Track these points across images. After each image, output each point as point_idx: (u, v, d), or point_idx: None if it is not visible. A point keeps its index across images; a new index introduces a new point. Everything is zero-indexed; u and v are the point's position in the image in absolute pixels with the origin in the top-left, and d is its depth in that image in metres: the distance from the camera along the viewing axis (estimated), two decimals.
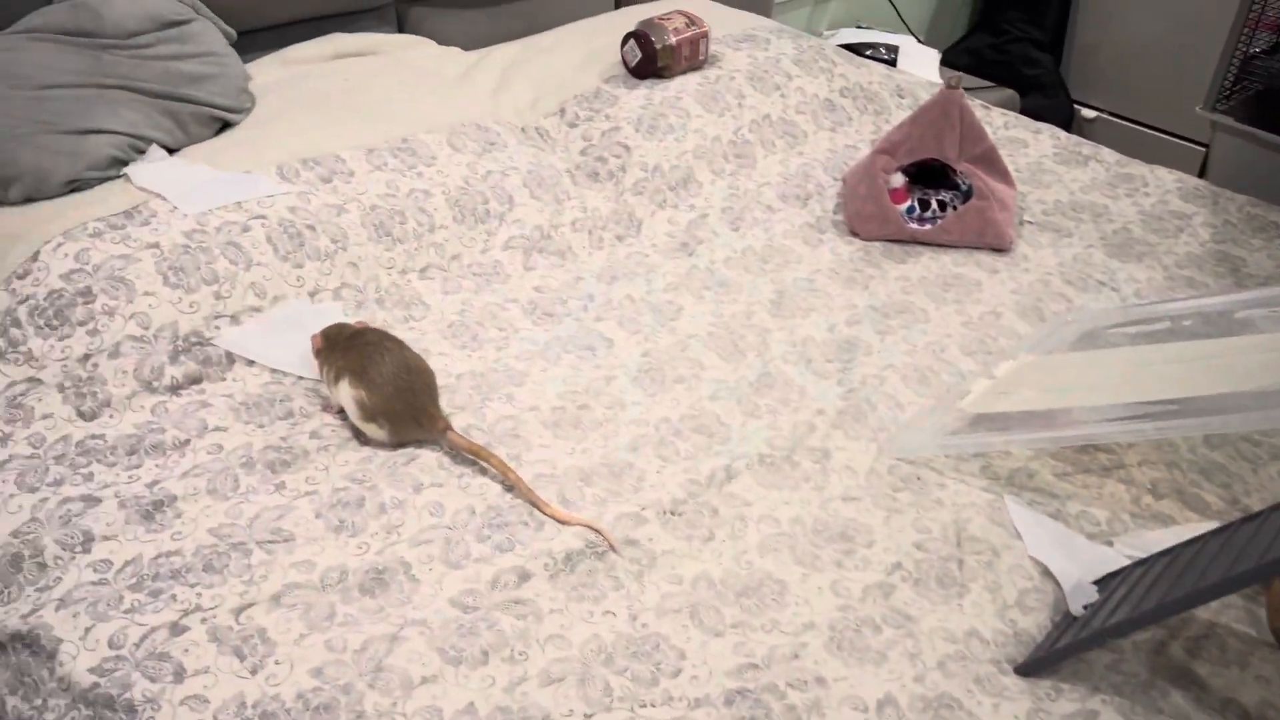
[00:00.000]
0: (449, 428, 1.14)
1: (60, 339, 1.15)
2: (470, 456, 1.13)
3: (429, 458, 1.13)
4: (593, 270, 1.49)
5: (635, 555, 1.06)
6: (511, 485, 1.11)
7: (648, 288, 1.47)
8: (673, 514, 1.11)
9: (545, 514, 1.08)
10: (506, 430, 1.18)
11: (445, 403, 1.21)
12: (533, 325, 1.38)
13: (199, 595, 0.96)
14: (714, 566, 1.06)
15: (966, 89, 2.52)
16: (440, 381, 1.25)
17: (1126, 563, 1.07)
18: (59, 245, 1.21)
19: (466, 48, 1.86)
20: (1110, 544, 1.12)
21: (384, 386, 1.12)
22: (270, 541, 1.02)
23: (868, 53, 2.54)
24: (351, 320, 1.25)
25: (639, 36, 1.73)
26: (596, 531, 1.06)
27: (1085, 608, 1.00)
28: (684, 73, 1.78)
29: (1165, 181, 1.80)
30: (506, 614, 0.98)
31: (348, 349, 1.15)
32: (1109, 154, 1.88)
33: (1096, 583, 1.04)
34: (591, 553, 1.05)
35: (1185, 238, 1.66)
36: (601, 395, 1.26)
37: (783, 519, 1.12)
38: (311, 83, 1.57)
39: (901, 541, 1.10)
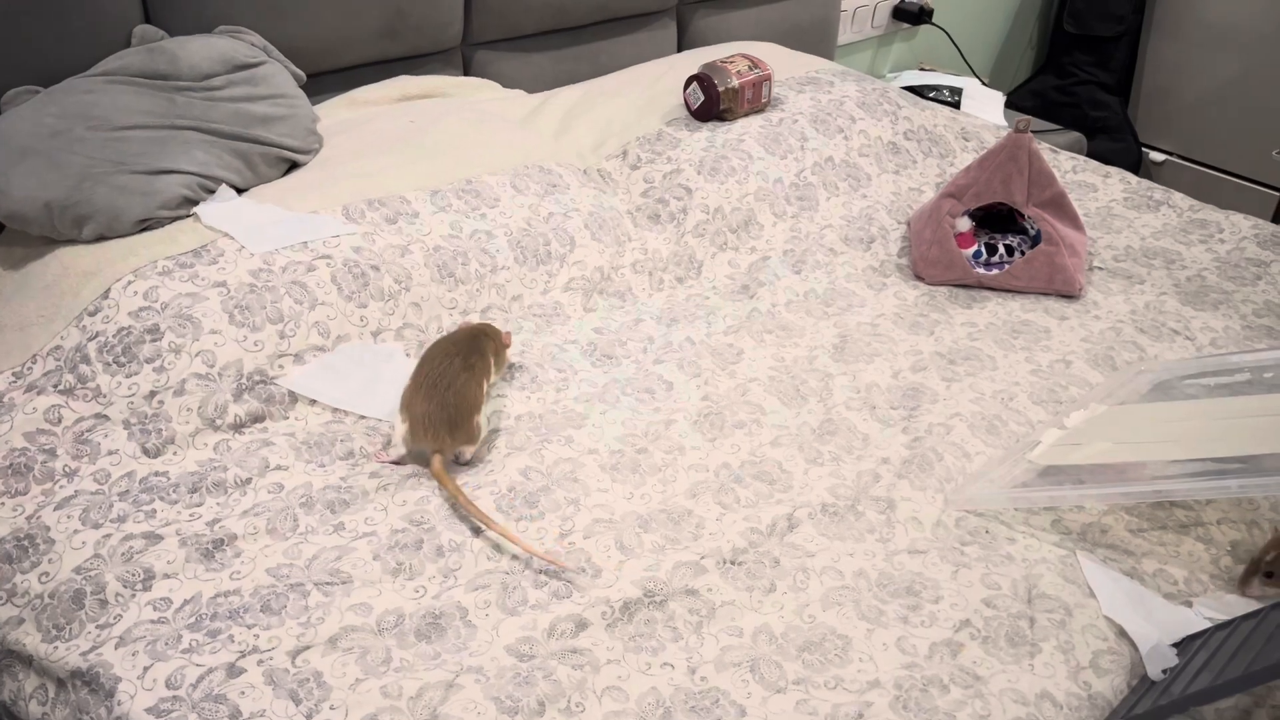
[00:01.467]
0: (439, 454, 1.13)
1: (127, 376, 1.17)
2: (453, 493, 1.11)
3: (486, 501, 1.12)
4: (652, 312, 1.48)
5: (694, 605, 1.03)
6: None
7: (708, 330, 1.46)
8: (733, 563, 1.09)
9: (494, 532, 1.07)
10: (565, 473, 1.17)
11: (503, 443, 1.21)
12: (592, 367, 1.37)
13: (256, 636, 0.96)
14: (775, 619, 1.03)
15: (1033, 131, 2.49)
16: (499, 423, 1.25)
17: (1206, 625, 1.02)
18: (129, 283, 1.23)
19: (530, 90, 1.88)
20: (1189, 604, 1.07)
21: (421, 387, 1.15)
22: (328, 583, 1.02)
23: (931, 95, 2.52)
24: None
25: (702, 80, 1.73)
26: (549, 561, 1.05)
27: (1164, 672, 0.96)
28: (746, 115, 1.77)
29: (1241, 227, 1.75)
30: (563, 664, 0.96)
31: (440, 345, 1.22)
32: (1181, 199, 1.84)
33: (1175, 645, 1.00)
34: (650, 602, 1.03)
35: (1263, 285, 1.61)
36: (660, 439, 1.24)
37: (846, 571, 1.09)
38: (378, 124, 1.59)
39: (970, 597, 1.07)
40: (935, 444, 1.27)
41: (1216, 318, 1.53)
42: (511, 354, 1.37)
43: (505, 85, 1.86)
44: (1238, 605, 1.06)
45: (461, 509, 1.11)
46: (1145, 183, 1.89)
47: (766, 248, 1.62)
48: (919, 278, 1.62)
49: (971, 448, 1.27)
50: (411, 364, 1.30)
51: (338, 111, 1.64)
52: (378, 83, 1.71)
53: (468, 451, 1.18)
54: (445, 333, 1.35)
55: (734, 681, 0.96)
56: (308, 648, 0.95)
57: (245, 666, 0.93)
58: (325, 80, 1.68)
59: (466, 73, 1.85)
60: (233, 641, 0.95)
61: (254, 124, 1.44)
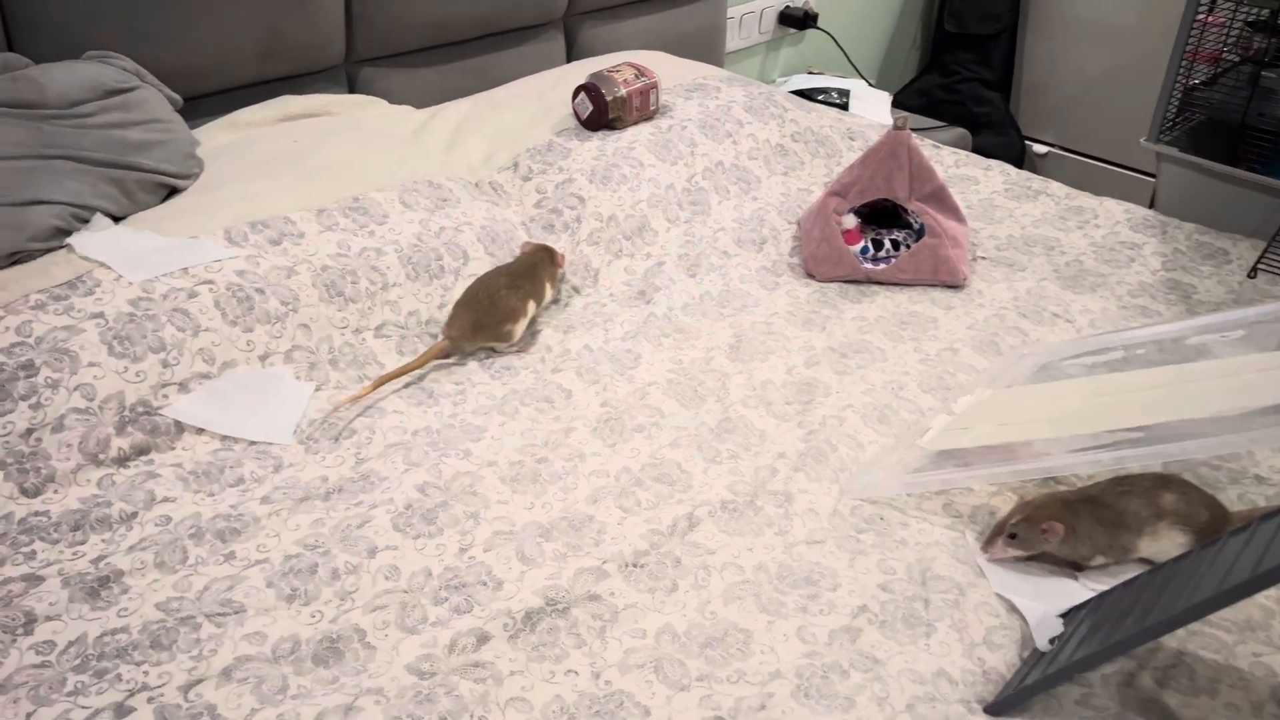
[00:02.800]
0: (447, 337, 1.37)
1: (1, 415, 1.13)
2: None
3: (383, 520, 1.11)
4: (550, 323, 1.49)
5: (597, 611, 1.04)
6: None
7: (605, 337, 1.46)
8: (635, 566, 1.09)
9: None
10: (463, 488, 1.17)
11: (400, 459, 1.20)
12: (490, 379, 1.36)
13: (145, 673, 0.93)
14: (678, 618, 1.04)
15: (918, 130, 2.56)
16: (395, 439, 1.24)
17: (1091, 594, 1.06)
18: (0, 319, 1.19)
19: (419, 106, 1.87)
20: (1075, 577, 1.11)
21: (465, 297, 1.40)
22: (220, 614, 1.00)
23: (820, 98, 2.57)
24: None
25: (589, 89, 1.74)
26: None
27: (1051, 642, 0.99)
28: (636, 123, 1.79)
29: (1115, 213, 1.83)
30: (465, 678, 0.95)
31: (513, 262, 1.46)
32: (1058, 188, 1.91)
33: (1062, 616, 1.03)
34: (552, 610, 1.03)
35: (1137, 267, 1.68)
36: (560, 448, 1.24)
37: (746, 566, 1.10)
38: (261, 146, 1.57)
39: (867, 583, 1.09)
40: (829, 436, 1.29)
41: (1094, 300, 1.59)
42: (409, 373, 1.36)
43: (392, 102, 1.84)
44: (1122, 575, 1.10)
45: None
46: (1024, 173, 1.96)
47: (661, 253, 1.64)
48: (810, 275, 1.65)
49: (864, 438, 1.30)
50: (304, 387, 1.28)
51: (218, 135, 1.61)
52: (260, 104, 1.68)
53: (500, 346, 1.40)
54: (335, 354, 1.33)
55: (638, 683, 0.96)
56: (200, 681, 0.93)
57: (135, 705, 0.90)
58: (205, 103, 1.65)
59: (352, 90, 1.84)
60: (121, 680, 0.93)
61: (129, 150, 1.40)
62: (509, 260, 1.50)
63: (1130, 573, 1.09)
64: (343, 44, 1.77)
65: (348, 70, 1.82)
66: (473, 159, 1.70)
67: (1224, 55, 2.09)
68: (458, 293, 1.46)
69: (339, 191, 1.48)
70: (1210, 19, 2.00)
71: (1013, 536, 1.10)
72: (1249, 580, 0.81)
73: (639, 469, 1.22)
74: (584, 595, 1.05)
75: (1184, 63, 1.98)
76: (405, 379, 1.34)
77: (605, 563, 1.09)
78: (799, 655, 1.00)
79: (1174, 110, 2.02)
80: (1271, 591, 1.09)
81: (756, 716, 0.94)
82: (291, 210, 1.43)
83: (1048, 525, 1.08)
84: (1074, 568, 1.11)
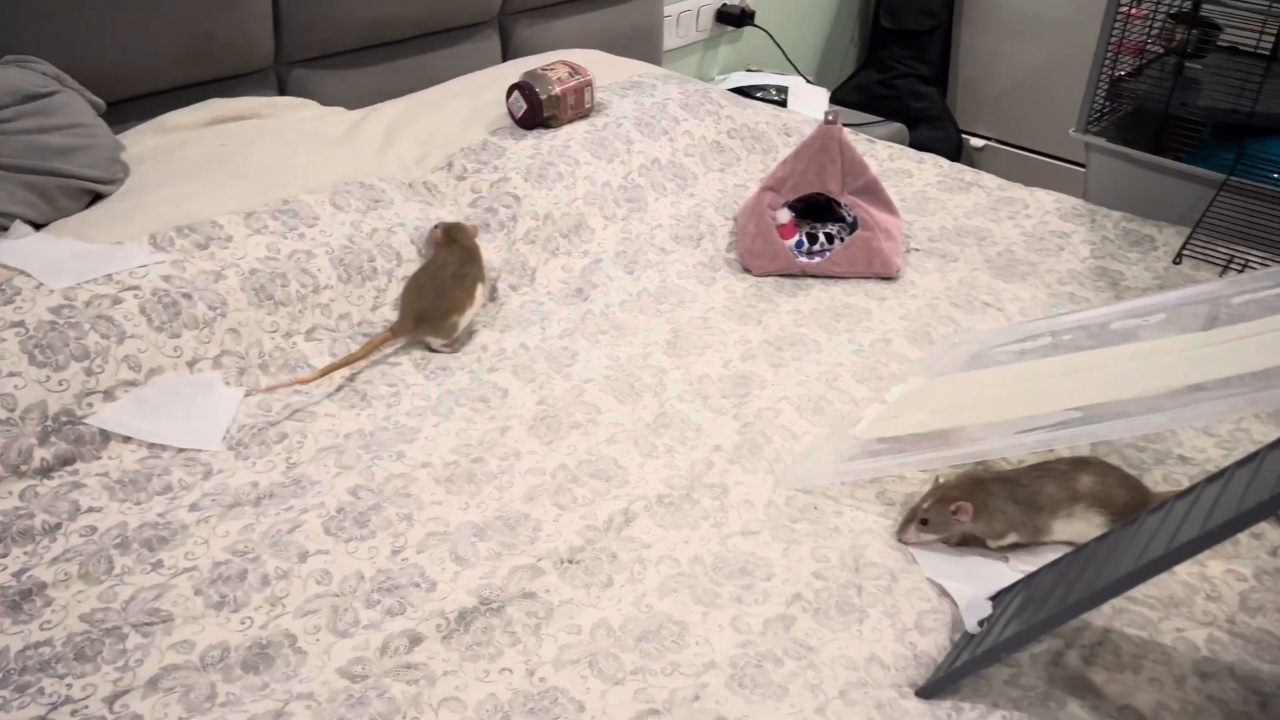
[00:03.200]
0: (393, 333, 1.37)
1: None
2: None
3: (314, 524, 1.10)
4: (485, 320, 1.48)
5: (532, 608, 1.03)
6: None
7: (542, 335, 1.46)
8: (570, 563, 1.09)
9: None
10: (396, 490, 1.16)
11: (332, 463, 1.19)
12: (425, 380, 1.35)
13: (69, 686, 0.92)
14: (613, 613, 1.04)
15: (856, 125, 2.58)
16: (328, 442, 1.23)
17: (1021, 576, 1.08)
18: None
19: (351, 107, 1.85)
20: (1005, 560, 1.13)
21: (414, 285, 1.42)
22: (147, 624, 0.98)
23: (758, 95, 2.58)
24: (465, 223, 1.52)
25: (523, 88, 1.74)
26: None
27: (981, 624, 1.01)
28: (571, 121, 1.79)
29: (1044, 203, 1.86)
30: (398, 680, 0.94)
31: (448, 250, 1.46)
32: (990, 179, 1.94)
33: (992, 599, 1.05)
34: (486, 609, 1.03)
35: (1066, 255, 1.71)
36: (496, 447, 1.24)
37: (682, 559, 1.11)
38: (188, 149, 1.54)
39: (801, 572, 1.10)
40: (764, 428, 1.30)
41: (1024, 288, 1.61)
42: (340, 374, 1.34)
43: (324, 103, 1.82)
44: (1050, 558, 1.12)
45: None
46: (957, 166, 1.98)
47: (598, 250, 1.64)
48: (746, 270, 1.66)
49: (799, 429, 1.31)
50: (233, 392, 1.27)
51: (144, 139, 1.58)
52: (187, 107, 1.65)
53: (436, 342, 1.40)
54: (265, 358, 1.32)
55: (573, 679, 0.96)
56: (126, 692, 0.91)
57: (57, 719, 0.89)
58: (130, 107, 1.62)
59: (282, 93, 1.81)
60: (43, 694, 0.91)
61: (50, 156, 1.37)
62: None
63: (1057, 553, 1.11)
64: (272, 45, 1.75)
65: (278, 72, 1.80)
66: (406, 159, 1.69)
67: (1148, 47, 2.13)
68: (392, 293, 1.45)
69: (268, 194, 1.46)
70: (1134, 11, 2.04)
71: (924, 522, 1.11)
72: (1164, 555, 0.82)
73: (575, 466, 1.22)
74: (519, 593, 1.05)
75: (1109, 55, 2.02)
76: (338, 377, 1.33)
77: (540, 560, 1.08)
78: (733, 645, 1.01)
79: (1101, 102, 2.06)
80: (1194, 568, 1.12)
81: (691, 708, 0.94)
82: (219, 214, 1.41)
83: (956, 506, 1.10)
84: (994, 547, 1.13)
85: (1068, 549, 1.12)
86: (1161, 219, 1.91)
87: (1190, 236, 1.74)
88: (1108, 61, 2.02)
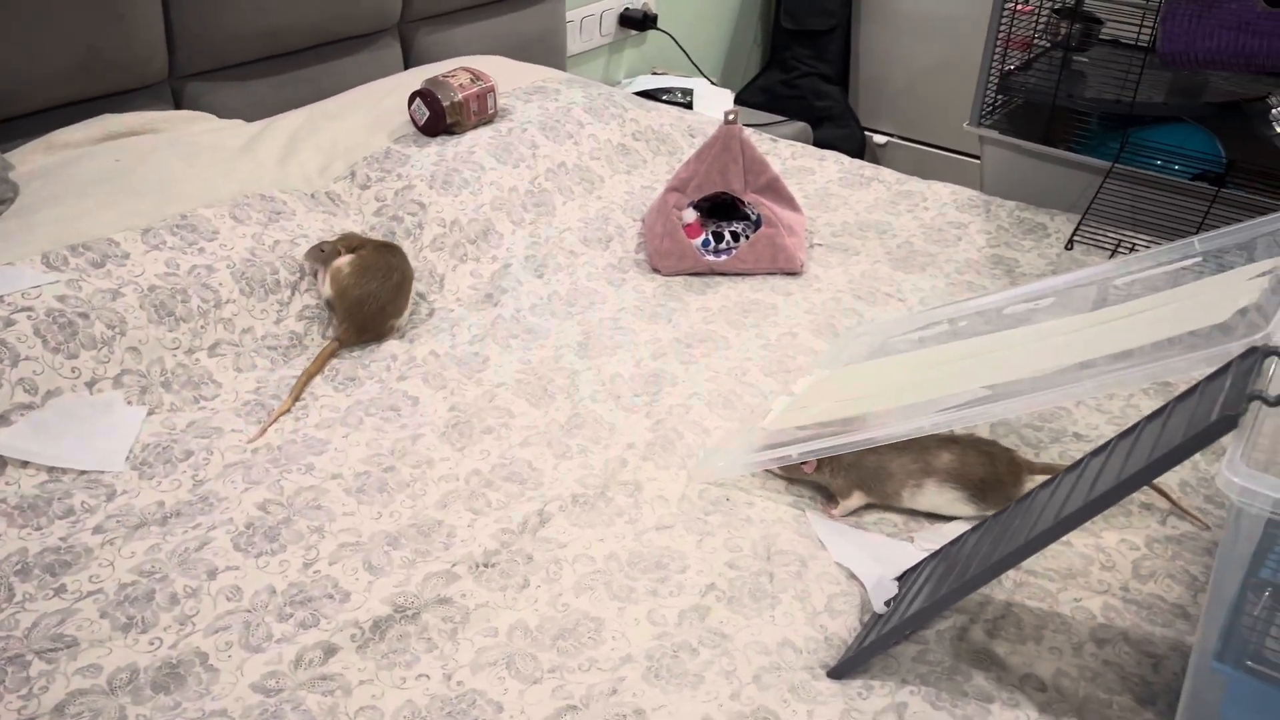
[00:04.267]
0: (338, 339, 1.41)
1: None
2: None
3: (223, 541, 1.09)
4: (394, 330, 1.47)
5: (448, 614, 1.03)
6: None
7: (453, 342, 1.46)
8: (486, 566, 1.09)
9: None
10: (307, 502, 1.15)
11: (239, 478, 1.17)
12: (334, 391, 1.34)
13: None
14: (530, 614, 1.04)
15: (761, 125, 2.62)
16: (234, 458, 1.21)
17: (925, 555, 1.11)
18: None
19: (250, 119, 1.83)
20: (911, 540, 1.16)
21: (354, 280, 1.41)
22: (51, 650, 0.96)
23: (664, 97, 2.61)
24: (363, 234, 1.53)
25: (425, 95, 1.73)
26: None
27: (887, 604, 1.04)
28: (475, 127, 1.79)
29: (941, 195, 1.91)
30: (313, 692, 0.94)
31: (377, 249, 1.46)
32: (889, 174, 1.99)
33: (898, 579, 1.08)
34: (402, 617, 1.02)
35: (963, 245, 1.76)
36: (408, 455, 1.24)
37: (598, 556, 1.12)
38: (81, 166, 1.51)
39: (714, 562, 1.12)
40: (676, 424, 1.32)
41: (924, 279, 1.66)
42: (246, 390, 1.33)
43: (222, 116, 1.79)
44: (954, 535, 1.16)
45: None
46: (858, 162, 2.03)
47: (507, 255, 1.64)
48: (656, 270, 1.68)
49: (710, 423, 1.33)
50: (135, 412, 1.24)
51: (34, 157, 1.54)
52: (78, 124, 1.61)
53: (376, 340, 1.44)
54: (168, 376, 1.29)
55: (490, 680, 0.97)
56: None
57: None
58: (18, 125, 1.58)
59: (178, 106, 1.78)
60: None
61: None
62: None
63: (960, 530, 1.15)
64: (165, 59, 1.71)
65: (172, 86, 1.77)
66: (308, 169, 1.67)
67: (1035, 41, 2.21)
68: (296, 305, 1.44)
69: (165, 209, 1.44)
70: (1020, 7, 2.12)
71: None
72: (1051, 527, 0.86)
73: (489, 470, 1.23)
74: (434, 599, 1.05)
75: (998, 50, 2.09)
76: (245, 394, 1.31)
77: (455, 565, 1.09)
78: (650, 638, 1.02)
79: (993, 96, 2.13)
80: (1089, 540, 1.16)
81: (608, 702, 0.95)
82: (115, 231, 1.38)
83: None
84: (839, 512, 1.19)
85: (969, 526, 1.15)
86: (1053, 207, 1.99)
87: (1080, 223, 1.81)
88: (997, 56, 2.09)
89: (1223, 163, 2.01)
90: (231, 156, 1.62)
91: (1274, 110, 2.04)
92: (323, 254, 1.45)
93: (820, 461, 1.19)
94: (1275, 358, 0.86)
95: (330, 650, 0.98)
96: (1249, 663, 0.86)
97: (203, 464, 1.20)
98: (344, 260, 1.43)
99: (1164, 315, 1.16)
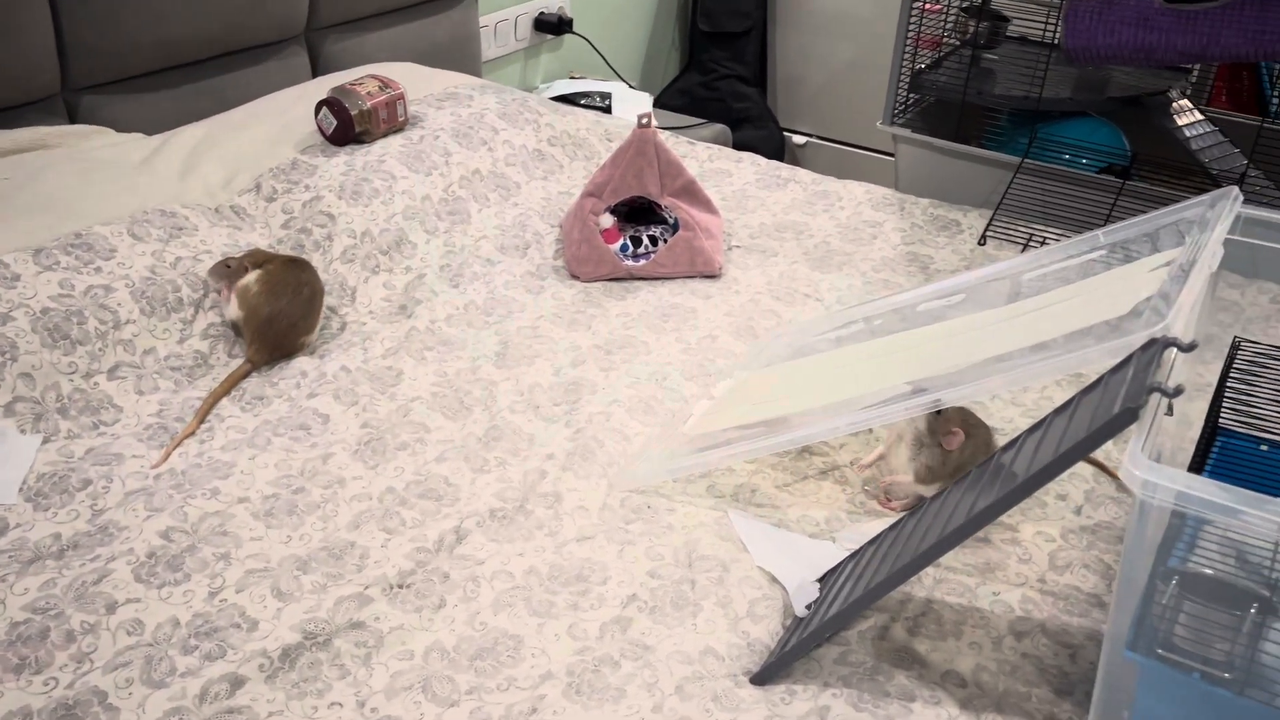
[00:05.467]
0: (250, 360, 1.37)
1: None
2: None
3: (123, 573, 1.04)
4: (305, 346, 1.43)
5: (361, 638, 1.00)
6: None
7: (365, 356, 1.42)
8: (400, 587, 1.07)
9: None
10: (212, 528, 1.11)
11: (141, 506, 1.13)
12: (240, 412, 1.30)
13: None
14: (446, 634, 1.02)
15: (679, 128, 2.62)
16: (135, 485, 1.16)
17: (846, 555, 1.11)
18: None
19: (151, 133, 1.77)
20: (833, 540, 1.16)
21: (263, 298, 1.37)
22: None
23: (583, 102, 2.59)
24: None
25: (332, 104, 1.69)
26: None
27: (809, 606, 1.03)
28: (385, 136, 1.75)
29: (857, 194, 1.93)
30: None
31: (286, 264, 1.42)
32: (805, 174, 2.00)
33: (819, 580, 1.07)
34: (312, 644, 0.99)
35: (879, 244, 1.77)
36: (318, 475, 1.20)
37: (516, 572, 1.10)
38: None
39: (636, 572, 1.10)
40: (596, 432, 1.30)
41: (841, 278, 1.67)
42: (148, 414, 1.28)
43: (120, 130, 1.73)
44: (874, 533, 1.16)
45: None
46: (774, 163, 2.04)
47: (421, 265, 1.61)
48: (574, 277, 1.66)
49: (631, 430, 1.31)
50: (29, 441, 1.19)
51: None
52: None
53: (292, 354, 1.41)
54: (64, 401, 1.24)
55: (405, 706, 0.94)
56: None
57: None
58: None
59: (73, 121, 1.72)
60: None
61: None
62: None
63: (880, 528, 1.15)
64: (57, 71, 1.65)
65: (66, 99, 1.70)
66: (211, 183, 1.62)
67: (945, 40, 2.24)
68: (200, 324, 1.39)
69: (58, 228, 1.38)
70: (929, 6, 2.14)
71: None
72: (963, 525, 0.86)
73: (403, 488, 1.20)
74: (346, 624, 1.01)
75: (908, 49, 2.11)
76: (146, 417, 1.27)
77: (368, 588, 1.06)
78: (570, 653, 1.00)
79: (904, 94, 2.15)
80: (1006, 533, 1.17)
81: None
82: (4, 252, 1.32)
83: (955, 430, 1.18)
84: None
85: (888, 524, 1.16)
86: (966, 203, 2.01)
87: (992, 218, 1.83)
88: (907, 55, 2.11)
89: (1128, 155, 2.05)
90: (130, 172, 1.56)
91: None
92: (229, 270, 1.40)
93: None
94: (1174, 348, 0.87)
95: (237, 682, 0.95)
96: (1160, 651, 0.87)
97: (102, 493, 1.15)
98: (251, 278, 1.39)
99: (1072, 308, 1.17)
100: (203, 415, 1.27)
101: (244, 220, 1.58)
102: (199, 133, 1.72)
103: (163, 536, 1.09)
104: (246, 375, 1.36)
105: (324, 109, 1.70)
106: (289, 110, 1.79)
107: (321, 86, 1.84)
